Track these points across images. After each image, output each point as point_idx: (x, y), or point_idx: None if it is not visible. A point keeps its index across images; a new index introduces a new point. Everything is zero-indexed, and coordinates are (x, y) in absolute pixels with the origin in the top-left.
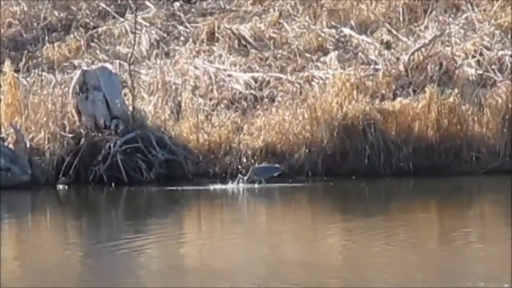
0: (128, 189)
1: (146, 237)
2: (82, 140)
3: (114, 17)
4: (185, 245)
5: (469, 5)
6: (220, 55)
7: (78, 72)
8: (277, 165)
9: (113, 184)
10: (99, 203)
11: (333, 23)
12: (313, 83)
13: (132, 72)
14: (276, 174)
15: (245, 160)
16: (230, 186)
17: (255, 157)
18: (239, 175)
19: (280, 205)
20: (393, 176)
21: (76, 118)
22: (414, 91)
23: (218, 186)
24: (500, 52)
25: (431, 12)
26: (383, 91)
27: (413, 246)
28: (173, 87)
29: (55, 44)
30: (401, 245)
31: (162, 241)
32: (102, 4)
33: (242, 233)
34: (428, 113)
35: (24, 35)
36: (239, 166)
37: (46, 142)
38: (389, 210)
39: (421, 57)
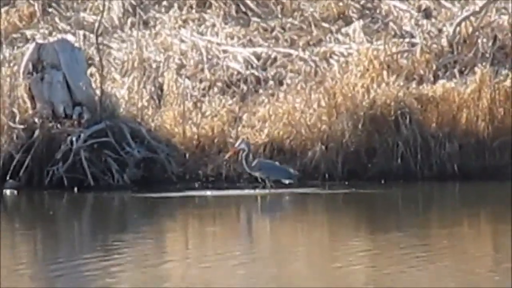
0: (94, 196)
1: (117, 256)
2: (36, 132)
3: None
4: (167, 267)
5: None
6: (213, 25)
7: (31, 46)
8: (291, 169)
9: (75, 189)
10: (58, 212)
11: None
12: (332, 61)
13: (101, 47)
14: (286, 181)
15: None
16: (225, 192)
17: (258, 156)
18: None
19: (289, 217)
20: (433, 180)
21: (29, 104)
22: (461, 72)
23: (210, 192)
24: None
25: None
26: (421, 72)
27: (459, 272)
28: (153, 65)
29: (2, 10)
30: (445, 271)
31: (137, 261)
32: None
33: (240, 253)
34: (479, 100)
35: None
36: (237, 168)
37: None
38: (428, 224)
39: (470, 29)
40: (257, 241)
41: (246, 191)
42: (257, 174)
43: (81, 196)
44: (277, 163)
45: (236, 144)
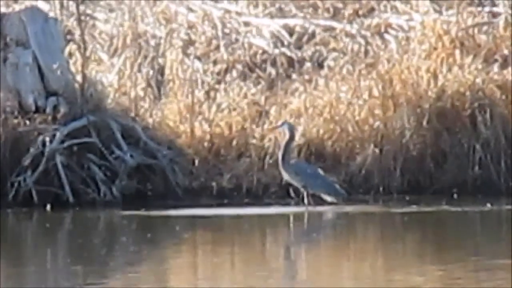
0: (74, 214)
1: None
2: None
3: None
4: None
5: None
6: None
7: None
8: (337, 185)
9: (48, 207)
10: (24, 238)
11: None
12: (387, 36)
13: (83, 17)
14: (328, 199)
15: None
16: (246, 210)
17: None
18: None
19: (330, 244)
20: None
21: None
22: None
23: (228, 210)
24: None
25: None
26: (506, 52)
27: None
28: (152, 42)
29: None
30: None
31: None
32: None
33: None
34: None
35: None
36: (262, 178)
37: None
38: None
39: None
40: (288, 275)
41: (274, 209)
42: (291, 180)
43: (56, 216)
44: (320, 170)
45: (278, 123)
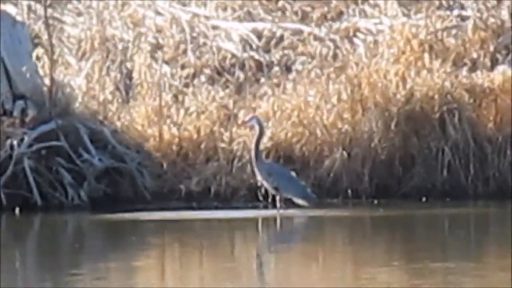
0: (42, 219)
1: None
2: None
3: None
4: None
5: None
6: None
7: None
8: (309, 189)
9: (17, 210)
10: None
11: None
12: (356, 40)
13: (51, 21)
14: (300, 202)
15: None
16: (214, 214)
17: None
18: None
19: (299, 249)
20: (489, 198)
21: None
22: None
23: (196, 214)
24: None
25: None
26: (474, 55)
27: None
28: (119, 46)
29: None
30: None
31: None
32: None
33: None
34: None
35: None
36: (231, 181)
37: None
38: (483, 256)
39: None
40: (257, 280)
41: (243, 213)
42: (263, 180)
43: (24, 219)
44: (293, 173)
45: (247, 118)
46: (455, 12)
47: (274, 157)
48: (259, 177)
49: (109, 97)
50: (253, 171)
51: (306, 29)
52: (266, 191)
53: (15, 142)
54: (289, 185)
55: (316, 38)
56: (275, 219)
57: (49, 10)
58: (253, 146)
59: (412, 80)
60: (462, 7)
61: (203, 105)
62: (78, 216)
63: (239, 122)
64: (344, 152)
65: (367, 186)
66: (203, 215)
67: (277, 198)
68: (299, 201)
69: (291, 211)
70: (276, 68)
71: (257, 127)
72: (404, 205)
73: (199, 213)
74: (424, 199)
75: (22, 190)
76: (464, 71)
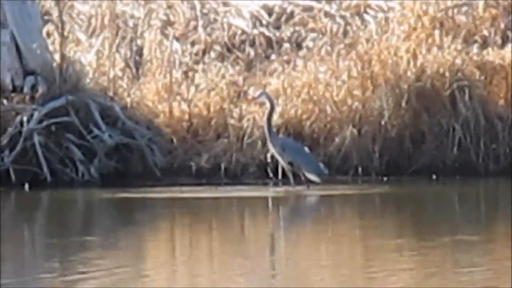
0: (51, 194)
1: (80, 275)
2: None
3: None
4: None
5: None
6: None
7: None
8: (321, 164)
9: (26, 186)
10: (1, 218)
11: None
12: (367, 17)
13: None
14: (312, 178)
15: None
16: (224, 192)
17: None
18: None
19: (309, 226)
20: (500, 175)
21: None
22: None
23: (207, 193)
24: None
25: None
26: (485, 33)
27: None
28: (130, 22)
29: None
30: None
31: (108, 284)
32: None
33: (246, 273)
34: None
35: None
36: (241, 158)
37: None
38: (494, 234)
39: None
40: (267, 257)
41: (251, 191)
42: (277, 155)
43: (34, 195)
44: (306, 148)
45: (256, 93)
46: None
47: (283, 134)
48: (273, 151)
49: (119, 73)
50: (266, 147)
51: (316, 5)
52: (276, 167)
53: (25, 118)
54: (302, 160)
55: (326, 14)
56: (286, 196)
57: None
58: (265, 121)
59: (422, 57)
60: None
61: (213, 82)
62: (88, 192)
63: (249, 98)
64: (354, 129)
65: (377, 164)
66: (215, 192)
67: (290, 174)
68: (311, 177)
69: (301, 188)
70: (286, 45)
71: (267, 102)
72: (414, 183)
73: (205, 191)
74: (434, 176)
75: (32, 166)
76: (475, 48)
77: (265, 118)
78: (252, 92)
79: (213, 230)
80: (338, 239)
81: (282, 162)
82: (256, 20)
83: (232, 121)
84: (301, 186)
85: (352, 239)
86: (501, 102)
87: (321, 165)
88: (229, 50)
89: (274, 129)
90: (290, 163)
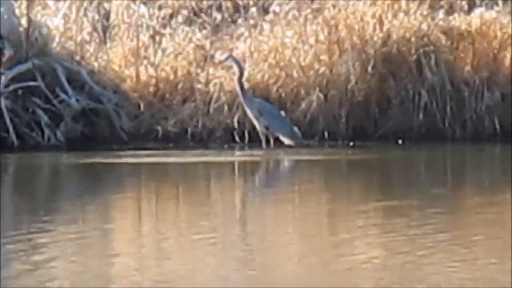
0: (18, 158)
1: (47, 243)
2: None
3: None
4: (114, 259)
5: None
6: None
7: None
8: (295, 127)
9: None
10: None
11: None
12: None
13: None
14: (286, 141)
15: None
16: (191, 157)
17: (234, 107)
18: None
19: (274, 191)
20: (466, 140)
21: None
22: None
23: (172, 157)
24: None
25: None
26: None
27: (495, 260)
28: None
29: None
30: (477, 260)
31: (75, 251)
32: None
33: (213, 237)
34: None
35: None
36: (207, 122)
37: None
38: (459, 198)
39: None
40: (233, 222)
41: (216, 156)
42: (253, 118)
43: (0, 159)
44: (282, 112)
45: (222, 57)
46: None
47: None
48: (249, 114)
49: (87, 37)
50: (233, 112)
51: None
52: (242, 132)
53: None
54: (278, 124)
55: None
56: (254, 161)
57: None
58: (236, 85)
59: (389, 22)
60: None
61: (180, 46)
62: (54, 157)
63: (216, 62)
64: (321, 94)
65: (343, 128)
66: (175, 158)
67: (263, 137)
68: (286, 140)
69: (271, 152)
70: (253, 9)
71: (234, 66)
72: (380, 148)
73: (170, 155)
74: (400, 141)
75: None
76: (441, 14)
77: (236, 82)
78: (218, 56)
79: (181, 196)
80: (305, 205)
81: (257, 126)
82: None
83: (199, 86)
84: (271, 150)
85: (318, 207)
86: (467, 67)
87: (295, 129)
88: (196, 14)
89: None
90: (266, 127)
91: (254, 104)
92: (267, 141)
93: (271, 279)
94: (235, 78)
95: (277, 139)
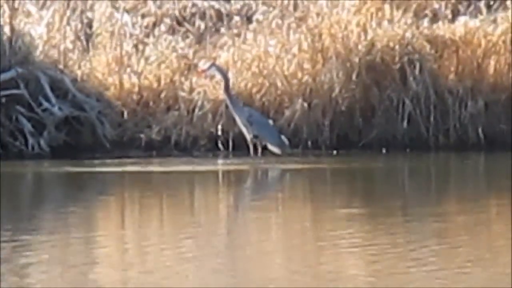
0: (1, 166)
1: (30, 251)
2: None
3: None
4: (96, 268)
5: None
6: None
7: None
8: (283, 136)
9: None
10: None
11: None
12: None
13: None
14: (275, 150)
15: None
16: (174, 165)
17: (218, 115)
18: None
19: (258, 202)
20: (450, 149)
21: None
22: (489, 6)
23: (156, 166)
24: None
25: None
26: (436, 6)
27: (479, 268)
28: None
29: None
30: (464, 269)
31: (57, 259)
32: None
33: (195, 248)
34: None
35: None
36: (191, 130)
37: None
38: (443, 207)
39: None
40: (217, 232)
41: (203, 166)
42: (243, 126)
43: None
44: (271, 121)
45: (205, 66)
46: None
47: None
48: (239, 122)
49: (70, 46)
50: (216, 120)
51: None
52: (226, 140)
53: None
54: (267, 133)
55: None
56: (239, 170)
57: None
58: (224, 93)
59: (373, 30)
60: None
61: (163, 54)
62: (37, 165)
63: (199, 70)
64: (305, 103)
65: (327, 137)
66: (164, 167)
67: (251, 145)
68: (274, 149)
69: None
70: (237, 18)
71: (218, 74)
72: (364, 157)
73: (155, 164)
74: (384, 150)
75: None
76: (425, 22)
77: (223, 91)
78: (202, 64)
79: (164, 206)
80: (290, 214)
81: (246, 134)
82: None
83: (182, 94)
84: (254, 159)
85: (303, 217)
86: (452, 76)
87: (283, 137)
88: (179, 23)
89: (222, 109)
90: (256, 136)
91: (244, 112)
92: (255, 149)
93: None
94: (222, 86)
95: (264, 148)
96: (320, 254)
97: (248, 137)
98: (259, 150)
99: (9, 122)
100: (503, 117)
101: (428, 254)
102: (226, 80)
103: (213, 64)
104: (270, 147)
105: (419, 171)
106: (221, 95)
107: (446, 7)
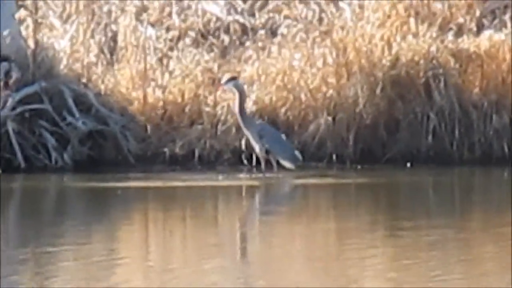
0: (24, 179)
1: (52, 267)
2: None
3: None
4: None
5: None
6: None
7: None
8: (297, 151)
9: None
10: None
11: None
12: (342, 4)
13: None
14: (287, 165)
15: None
16: (199, 180)
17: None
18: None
19: (282, 217)
20: (475, 164)
21: None
22: None
23: (181, 182)
24: None
25: None
26: (461, 20)
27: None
28: (104, 8)
29: None
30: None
31: (81, 277)
32: None
33: (220, 265)
34: None
35: None
36: (215, 145)
37: None
38: (468, 223)
39: None
40: (241, 250)
41: (224, 180)
42: (253, 141)
43: (6, 181)
44: (283, 135)
45: (222, 81)
46: None
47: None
48: (250, 139)
49: (94, 59)
50: (241, 134)
51: None
52: (250, 154)
53: None
54: (279, 148)
55: (301, 1)
56: (259, 184)
57: None
58: (236, 110)
59: (397, 44)
60: None
61: (187, 68)
62: (60, 179)
63: (218, 85)
64: (329, 117)
65: (351, 151)
66: (185, 182)
67: (263, 161)
68: (287, 164)
69: (275, 175)
70: (261, 32)
71: (233, 89)
72: (388, 171)
73: (179, 179)
74: (408, 164)
75: (6, 152)
76: (450, 36)
77: (236, 107)
78: (224, 78)
79: (188, 223)
80: (313, 231)
81: (257, 149)
82: (230, 6)
83: (206, 108)
84: (275, 173)
85: (326, 233)
86: (476, 90)
87: (296, 152)
88: (203, 36)
89: (251, 115)
90: (267, 151)
91: (255, 126)
92: (266, 165)
93: None
94: (236, 102)
95: (277, 163)
96: (349, 272)
97: (259, 151)
98: (274, 165)
99: (32, 136)
100: None
101: (451, 272)
102: (241, 98)
103: (232, 79)
104: (282, 161)
105: (444, 186)
106: (235, 109)
107: (470, 21)
